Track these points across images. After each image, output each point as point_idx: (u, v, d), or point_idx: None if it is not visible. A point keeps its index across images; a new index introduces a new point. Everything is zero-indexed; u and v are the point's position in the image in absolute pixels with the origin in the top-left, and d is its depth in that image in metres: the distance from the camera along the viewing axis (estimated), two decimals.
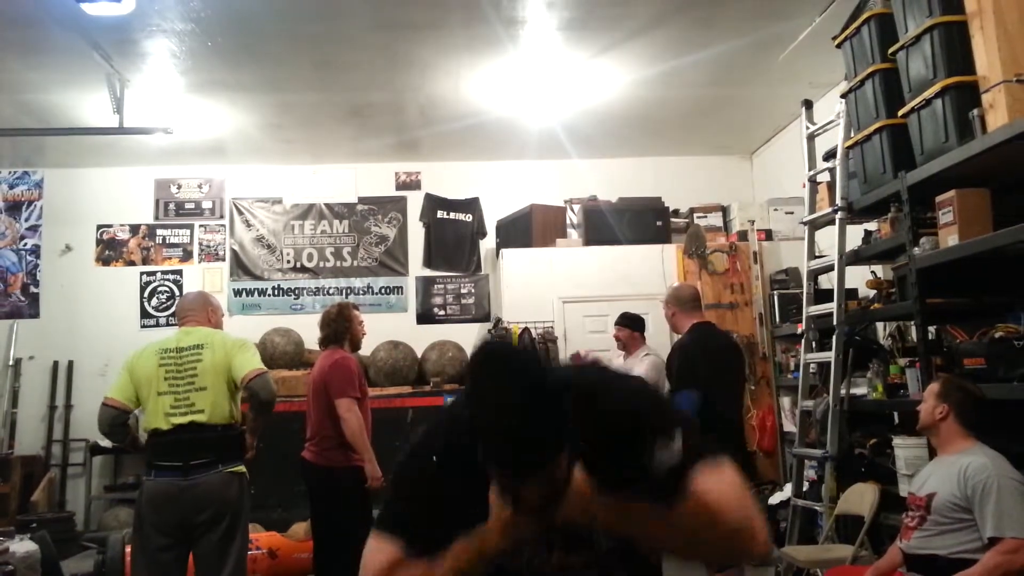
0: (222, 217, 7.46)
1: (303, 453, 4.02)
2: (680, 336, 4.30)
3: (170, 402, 3.18)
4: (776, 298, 6.02)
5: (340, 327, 4.14)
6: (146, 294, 7.28)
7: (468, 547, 1.22)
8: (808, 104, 5.07)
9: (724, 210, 7.03)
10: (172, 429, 3.15)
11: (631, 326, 5.08)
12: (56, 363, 7.06)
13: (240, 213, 7.45)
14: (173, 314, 7.19)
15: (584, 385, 1.23)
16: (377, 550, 1.31)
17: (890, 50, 3.82)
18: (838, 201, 4.45)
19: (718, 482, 1.18)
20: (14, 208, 7.29)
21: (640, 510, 1.16)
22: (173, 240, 7.40)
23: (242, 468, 3.25)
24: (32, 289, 7.21)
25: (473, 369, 1.14)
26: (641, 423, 1.20)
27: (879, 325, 4.87)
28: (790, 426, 5.80)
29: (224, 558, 3.14)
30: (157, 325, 7.18)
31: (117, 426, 3.30)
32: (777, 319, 5.99)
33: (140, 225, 7.38)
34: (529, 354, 1.18)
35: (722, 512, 1.16)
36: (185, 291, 7.22)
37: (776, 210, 6.68)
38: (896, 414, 4.35)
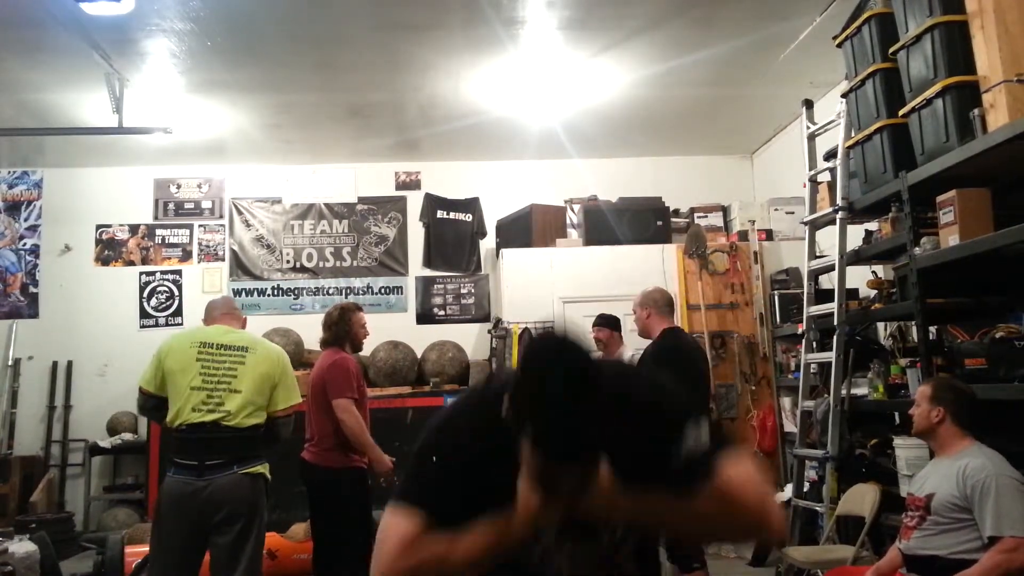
0: (222, 217, 7.45)
1: (302, 454, 4.01)
2: (651, 340, 4.27)
3: (202, 398, 3.17)
4: (776, 298, 6.02)
5: (341, 331, 4.13)
6: (145, 294, 7.27)
7: (491, 529, 1.25)
8: (808, 104, 5.06)
9: (724, 210, 7.03)
10: (190, 427, 3.15)
11: (610, 326, 5.08)
12: (55, 363, 7.05)
13: (240, 213, 7.44)
14: (173, 314, 7.22)
15: (615, 382, 1.28)
16: (396, 523, 1.29)
17: (891, 50, 3.82)
18: (839, 201, 4.45)
19: (739, 469, 1.25)
20: (13, 208, 7.28)
21: (663, 500, 1.23)
22: (172, 240, 7.39)
23: (260, 469, 3.22)
24: (31, 289, 7.20)
25: (533, 352, 1.22)
26: (671, 416, 1.30)
27: (880, 325, 4.86)
28: (791, 426, 5.80)
29: (236, 559, 3.13)
30: (156, 325, 7.18)
31: (149, 409, 3.37)
32: (778, 319, 5.98)
33: (139, 225, 7.38)
34: (584, 348, 1.21)
35: (744, 496, 1.23)
36: (185, 292, 7.26)
37: (776, 210, 6.68)
38: (897, 414, 4.34)
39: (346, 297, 7.18)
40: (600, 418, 1.15)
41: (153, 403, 3.28)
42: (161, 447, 6.14)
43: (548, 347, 1.22)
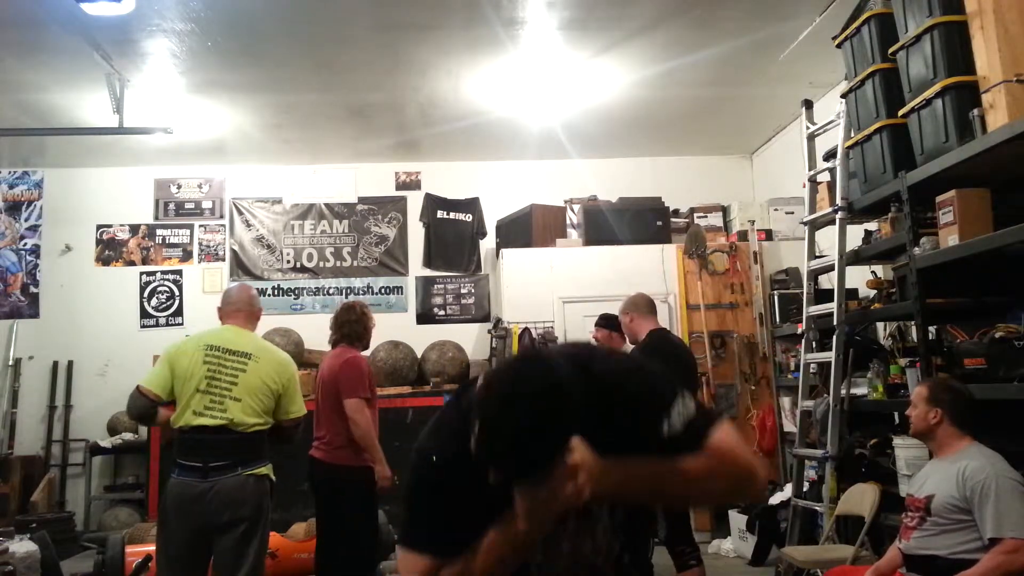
0: (222, 217, 7.46)
1: (311, 451, 4.00)
2: (637, 343, 4.33)
3: (205, 402, 3.17)
4: (776, 298, 6.02)
5: (359, 328, 4.08)
6: (146, 294, 7.27)
7: (501, 539, 1.28)
8: (808, 104, 5.07)
9: (724, 210, 7.03)
10: (195, 429, 3.14)
11: (609, 327, 5.09)
12: (56, 363, 7.06)
13: (240, 213, 7.45)
14: (173, 314, 7.22)
15: (598, 374, 1.31)
16: (411, 561, 1.35)
17: (890, 50, 3.82)
18: (838, 201, 4.45)
19: (725, 433, 1.31)
20: (14, 208, 7.29)
21: (654, 463, 1.26)
22: (173, 240, 7.40)
23: (264, 470, 3.22)
24: (32, 289, 7.21)
25: (485, 399, 1.19)
26: (659, 392, 1.32)
27: (879, 325, 4.87)
28: (790, 426, 5.81)
29: (241, 561, 3.13)
30: (157, 325, 7.18)
31: (137, 408, 3.27)
32: (777, 319, 5.99)
33: (140, 225, 7.38)
34: (539, 380, 1.19)
35: (734, 453, 1.29)
36: (185, 292, 7.27)
37: (776, 210, 6.69)
38: (896, 414, 4.35)
39: (346, 297, 7.18)
40: (566, 426, 1.17)
41: (144, 403, 3.20)
42: (162, 447, 6.14)
43: (499, 393, 1.19)
